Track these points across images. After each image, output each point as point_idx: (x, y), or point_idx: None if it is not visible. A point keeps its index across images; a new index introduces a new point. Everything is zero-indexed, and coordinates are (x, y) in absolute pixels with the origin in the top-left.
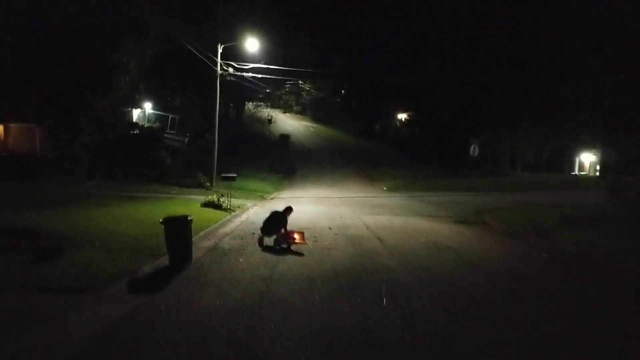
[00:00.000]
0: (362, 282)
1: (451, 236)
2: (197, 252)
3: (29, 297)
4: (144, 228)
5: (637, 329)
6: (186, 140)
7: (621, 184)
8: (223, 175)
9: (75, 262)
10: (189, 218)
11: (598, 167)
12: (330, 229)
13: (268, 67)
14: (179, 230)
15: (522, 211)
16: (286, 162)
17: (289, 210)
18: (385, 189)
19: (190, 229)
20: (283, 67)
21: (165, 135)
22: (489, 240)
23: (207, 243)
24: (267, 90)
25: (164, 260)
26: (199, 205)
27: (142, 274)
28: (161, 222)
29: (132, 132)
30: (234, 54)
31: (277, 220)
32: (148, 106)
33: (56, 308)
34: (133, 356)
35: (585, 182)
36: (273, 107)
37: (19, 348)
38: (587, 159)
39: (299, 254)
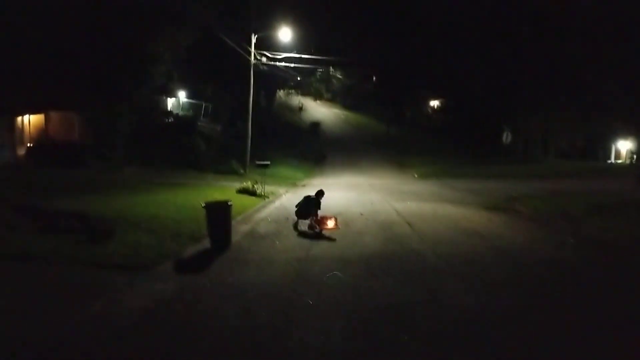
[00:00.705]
0: (392, 264)
1: (480, 222)
2: (235, 236)
3: (86, 273)
4: (185, 212)
5: None
6: (219, 128)
7: None
8: (257, 162)
9: (124, 243)
10: (229, 203)
11: (635, 156)
12: (361, 214)
13: (300, 57)
14: (219, 214)
15: (553, 198)
16: (317, 150)
17: (320, 193)
18: (416, 176)
19: (230, 214)
20: (314, 55)
21: (199, 123)
22: (518, 227)
23: (244, 227)
24: (298, 78)
25: (206, 242)
26: (234, 191)
27: (187, 255)
28: (203, 207)
29: (167, 120)
30: (266, 42)
31: (310, 204)
32: (182, 95)
33: (112, 283)
34: (185, 324)
35: (619, 170)
36: (304, 94)
37: (83, 317)
38: (624, 147)
39: (331, 238)
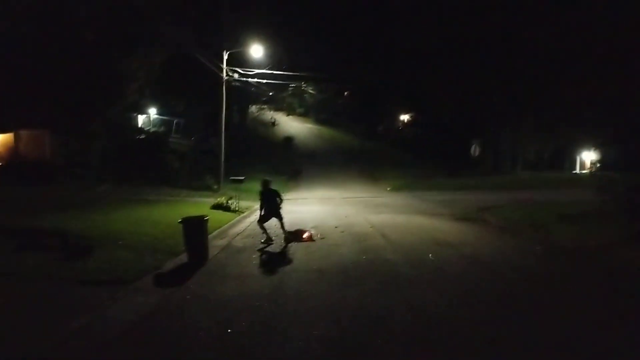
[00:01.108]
0: (367, 274)
1: (451, 232)
2: (212, 250)
3: (69, 289)
4: (161, 229)
5: (617, 308)
6: (191, 143)
7: (609, 181)
8: (232, 178)
9: (104, 259)
10: (205, 218)
11: (598, 165)
12: (336, 227)
13: (272, 73)
14: (196, 229)
15: (521, 208)
16: (291, 164)
17: (267, 182)
18: (389, 189)
19: (207, 229)
20: (286, 71)
21: (171, 139)
22: (487, 236)
23: (221, 242)
24: (271, 93)
25: (183, 257)
26: (209, 207)
27: (166, 269)
28: (180, 222)
29: (138, 137)
30: (238, 58)
31: (273, 197)
32: (153, 111)
33: (95, 298)
34: (169, 335)
35: (584, 180)
36: (276, 109)
37: (69, 330)
38: (588, 158)
39: (308, 250)
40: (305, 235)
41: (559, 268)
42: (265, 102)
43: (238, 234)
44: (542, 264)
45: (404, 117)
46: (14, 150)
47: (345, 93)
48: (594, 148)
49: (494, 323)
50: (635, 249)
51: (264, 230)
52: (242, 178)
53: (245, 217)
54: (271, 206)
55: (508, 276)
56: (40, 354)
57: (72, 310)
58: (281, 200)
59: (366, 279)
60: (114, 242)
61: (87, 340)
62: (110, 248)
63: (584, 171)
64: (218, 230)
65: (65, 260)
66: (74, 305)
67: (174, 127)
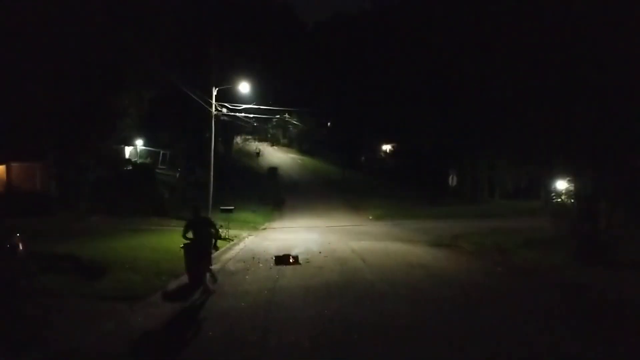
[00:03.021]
0: (347, 290)
1: (424, 256)
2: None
3: (93, 302)
4: (160, 254)
5: (557, 315)
6: (177, 175)
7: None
8: (222, 207)
9: (116, 280)
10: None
11: (572, 195)
12: (320, 252)
13: (259, 107)
14: (195, 254)
15: (491, 235)
16: (275, 194)
17: (198, 207)
18: (370, 217)
19: None
20: (271, 104)
21: (157, 170)
22: (456, 259)
23: (215, 267)
24: (255, 125)
25: (184, 278)
26: None
27: (170, 288)
28: (181, 248)
29: (127, 168)
30: (226, 93)
31: (207, 227)
32: (139, 142)
33: (115, 309)
34: (183, 337)
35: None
36: (261, 140)
37: (102, 331)
38: (563, 187)
39: (295, 271)
40: (291, 259)
41: (510, 284)
42: (249, 133)
43: (230, 259)
44: (497, 282)
45: (386, 147)
46: (5, 182)
47: (328, 124)
48: (568, 178)
49: (446, 327)
50: (578, 268)
51: (212, 273)
52: (232, 208)
53: (235, 245)
54: (205, 237)
55: (467, 290)
56: (84, 347)
57: (100, 318)
58: (217, 232)
59: (345, 293)
60: (122, 266)
61: (118, 338)
62: (120, 271)
63: (559, 200)
64: (211, 256)
65: (83, 280)
66: (100, 314)
67: (160, 158)
